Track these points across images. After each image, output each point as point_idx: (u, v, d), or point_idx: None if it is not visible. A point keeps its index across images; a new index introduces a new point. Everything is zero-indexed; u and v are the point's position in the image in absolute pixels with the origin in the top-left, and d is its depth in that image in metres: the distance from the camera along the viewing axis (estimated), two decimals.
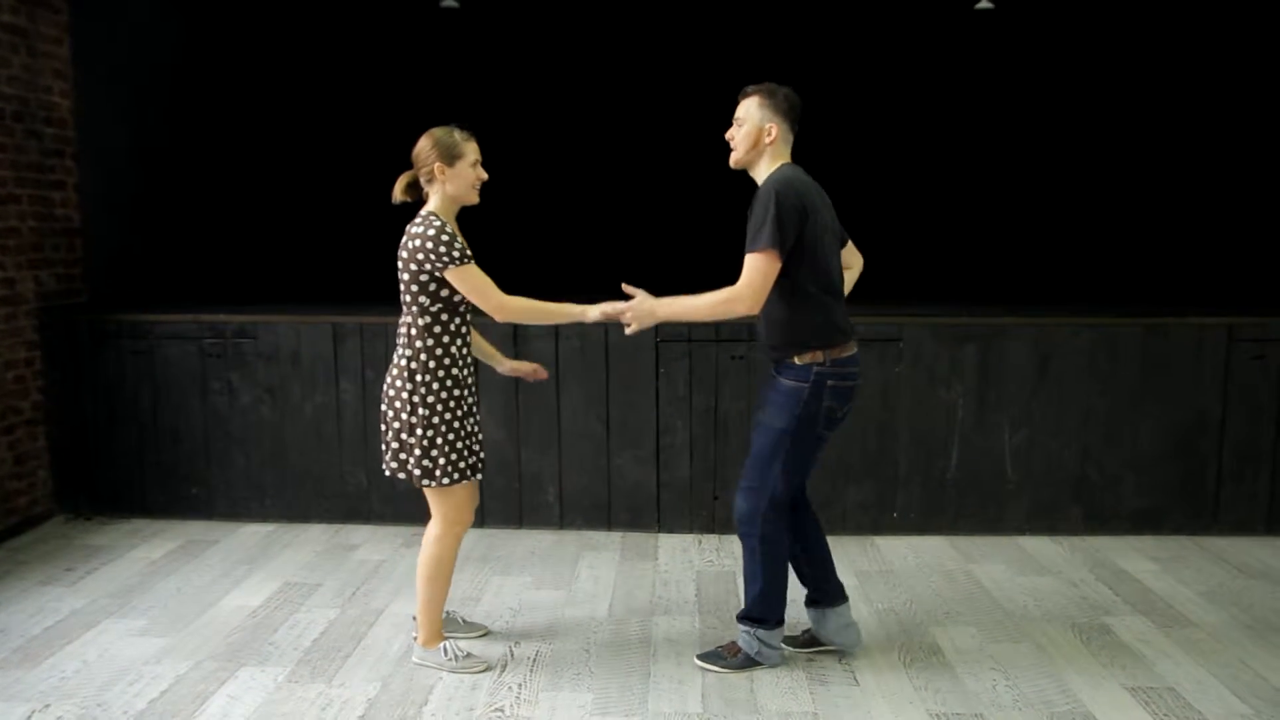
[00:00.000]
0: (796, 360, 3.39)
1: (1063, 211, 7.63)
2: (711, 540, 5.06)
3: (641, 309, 3.47)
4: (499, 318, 3.48)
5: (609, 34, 7.48)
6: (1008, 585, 4.43)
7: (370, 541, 5.02)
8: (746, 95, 3.45)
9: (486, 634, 3.95)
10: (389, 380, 3.53)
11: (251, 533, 5.14)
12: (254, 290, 6.52)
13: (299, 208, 7.48)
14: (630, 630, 4.01)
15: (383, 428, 3.56)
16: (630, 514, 5.16)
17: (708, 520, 5.14)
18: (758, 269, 3.29)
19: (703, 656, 3.67)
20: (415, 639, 3.72)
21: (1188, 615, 4.13)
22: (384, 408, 3.54)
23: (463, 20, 7.45)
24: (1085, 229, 7.61)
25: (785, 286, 3.35)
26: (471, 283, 3.40)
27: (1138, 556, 4.82)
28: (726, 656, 3.64)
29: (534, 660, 3.72)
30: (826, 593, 3.72)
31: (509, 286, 3.52)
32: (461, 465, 3.51)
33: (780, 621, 3.62)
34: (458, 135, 3.47)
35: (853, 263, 3.71)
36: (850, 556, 4.82)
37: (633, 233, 7.51)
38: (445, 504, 3.58)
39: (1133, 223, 7.60)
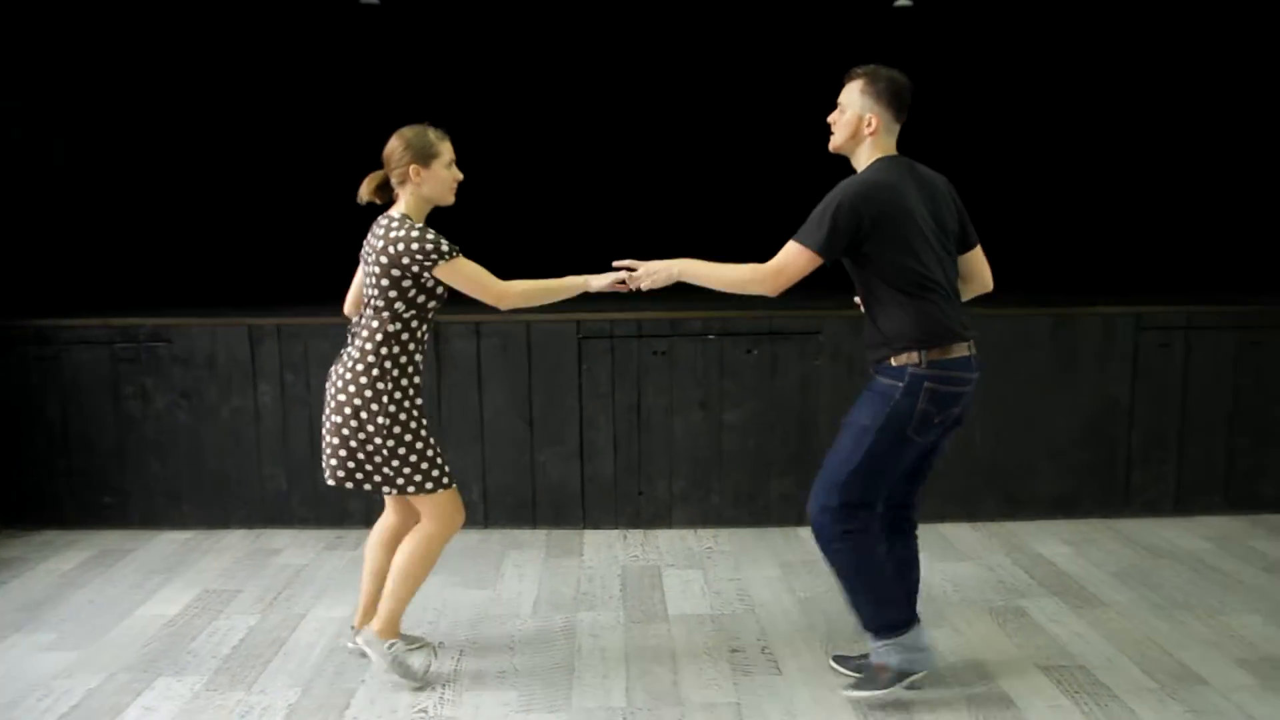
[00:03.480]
0: (893, 361, 3.19)
1: (974, 206, 7.77)
2: (636, 535, 5.08)
3: (656, 266, 3.33)
4: (502, 306, 3.36)
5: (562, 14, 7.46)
6: (927, 571, 4.45)
7: (292, 546, 4.95)
8: (851, 78, 3.26)
9: (422, 645, 3.82)
10: (337, 386, 3.35)
11: (169, 540, 5.03)
12: (167, 294, 6.37)
13: (212, 209, 7.33)
14: (555, 627, 4.01)
15: (325, 434, 3.38)
16: (555, 511, 5.15)
17: (633, 515, 5.16)
18: (793, 261, 3.15)
19: (852, 687, 3.36)
20: (371, 626, 3.54)
21: (1099, 595, 4.24)
22: (330, 414, 3.36)
23: (380, 17, 7.37)
24: (995, 222, 7.76)
25: (877, 287, 3.21)
26: (465, 274, 3.28)
27: (1053, 540, 4.93)
28: (877, 677, 3.31)
29: (458, 660, 3.71)
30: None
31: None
32: (435, 473, 3.39)
33: (909, 621, 3.30)
34: (432, 135, 3.36)
35: (973, 273, 3.43)
36: (774, 547, 4.87)
37: (613, 227, 7.50)
38: (442, 506, 3.45)
39: (1041, 215, 7.77)
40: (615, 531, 5.14)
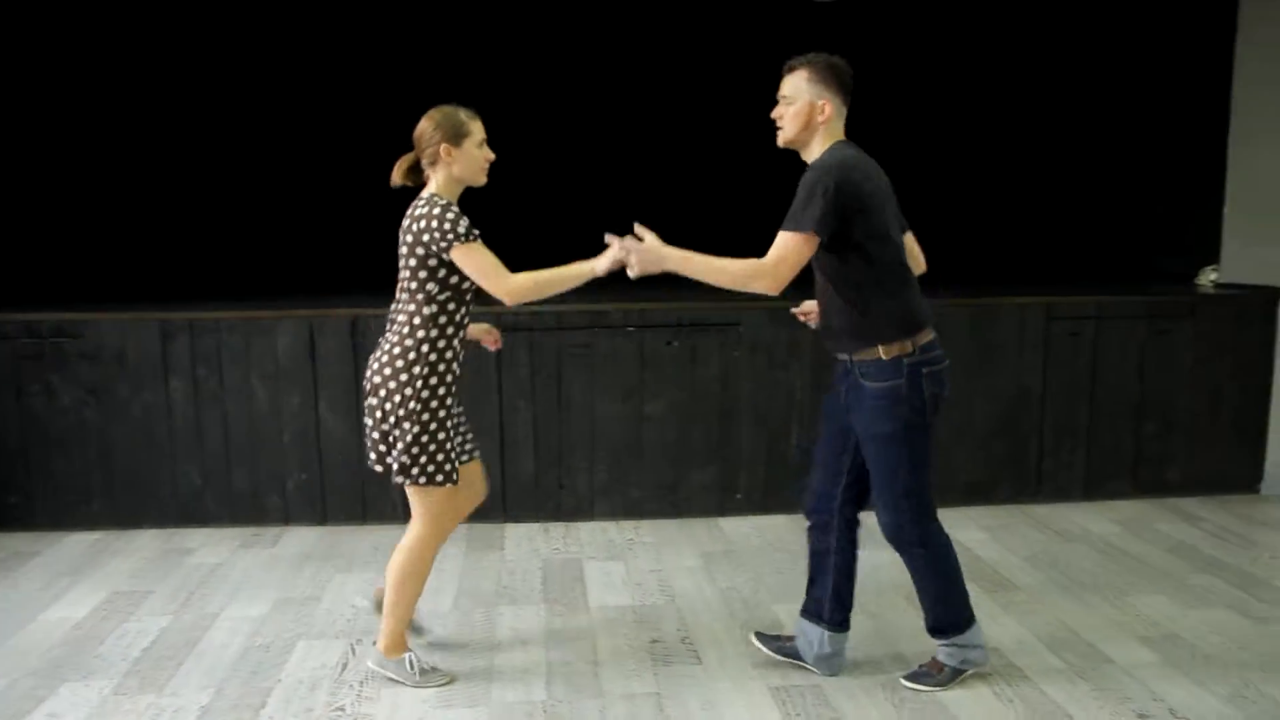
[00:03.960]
0: (882, 355, 3.13)
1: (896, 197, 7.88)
2: (558, 528, 5.07)
3: (648, 251, 3.12)
4: (510, 301, 3.24)
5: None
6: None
7: (206, 545, 4.85)
8: (792, 69, 3.18)
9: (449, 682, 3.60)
10: (374, 369, 3.29)
11: (76, 541, 4.90)
12: (74, 288, 6.19)
13: (122, 202, 7.14)
14: (475, 621, 3.98)
15: (369, 421, 3.32)
16: None
17: (554, 509, 5.15)
18: (792, 248, 3.04)
19: (909, 677, 3.41)
20: (375, 644, 3.51)
21: (1012, 579, 4.34)
22: (367, 397, 3.31)
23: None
24: (913, 213, 7.88)
25: (859, 276, 3.13)
26: (477, 262, 3.18)
27: (970, 526, 5.03)
28: (934, 674, 3.37)
29: None
30: (840, 616, 3.48)
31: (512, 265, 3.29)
32: (447, 467, 3.28)
33: (969, 620, 3.36)
34: (462, 114, 3.28)
35: (913, 255, 3.40)
36: (696, 538, 4.89)
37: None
38: (431, 504, 3.34)
39: (957, 207, 7.91)
40: (536, 525, 5.12)
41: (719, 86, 7.27)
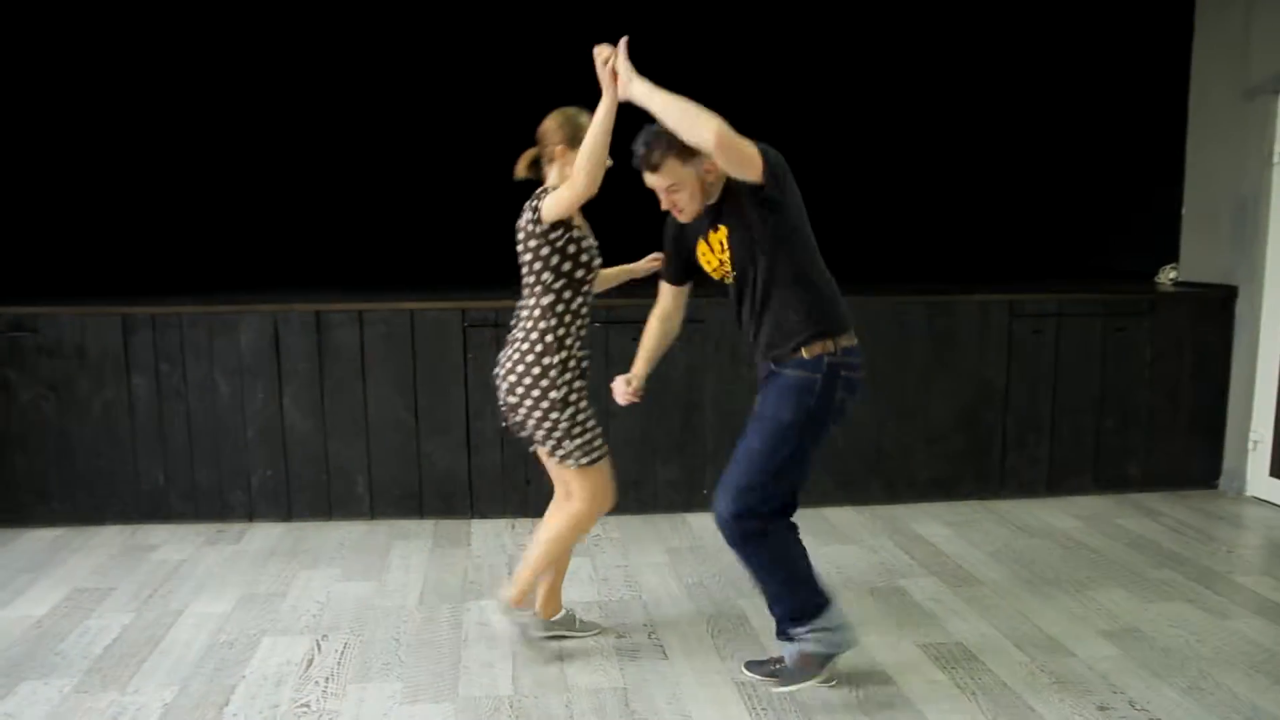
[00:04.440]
0: (805, 353, 3.10)
1: (853, 194, 7.93)
2: (525, 524, 5.06)
3: (622, 68, 2.99)
4: (589, 188, 3.13)
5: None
6: (812, 555, 4.54)
7: (170, 541, 4.80)
8: (656, 164, 3.08)
9: (601, 632, 3.80)
10: (507, 367, 3.41)
11: (36, 538, 4.83)
12: (33, 282, 6.11)
13: (82, 195, 7.05)
14: (441, 617, 3.97)
15: (518, 418, 3.43)
16: (442, 501, 5.10)
17: (520, 504, 5.14)
18: (748, 147, 2.93)
19: (781, 682, 3.28)
20: (508, 593, 3.58)
21: (975, 574, 4.38)
22: (509, 398, 3.42)
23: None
24: (878, 210, 7.94)
25: (788, 270, 3.10)
26: (558, 195, 3.20)
27: (933, 522, 5.08)
28: (806, 669, 3.23)
29: (342, 652, 3.64)
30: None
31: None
32: (597, 443, 3.46)
33: (826, 601, 3.25)
34: (584, 118, 3.27)
35: None
36: (661, 534, 4.91)
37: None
38: (592, 483, 3.48)
39: (920, 204, 7.97)
40: (503, 521, 5.12)
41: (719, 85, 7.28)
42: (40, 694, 3.35)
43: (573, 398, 3.39)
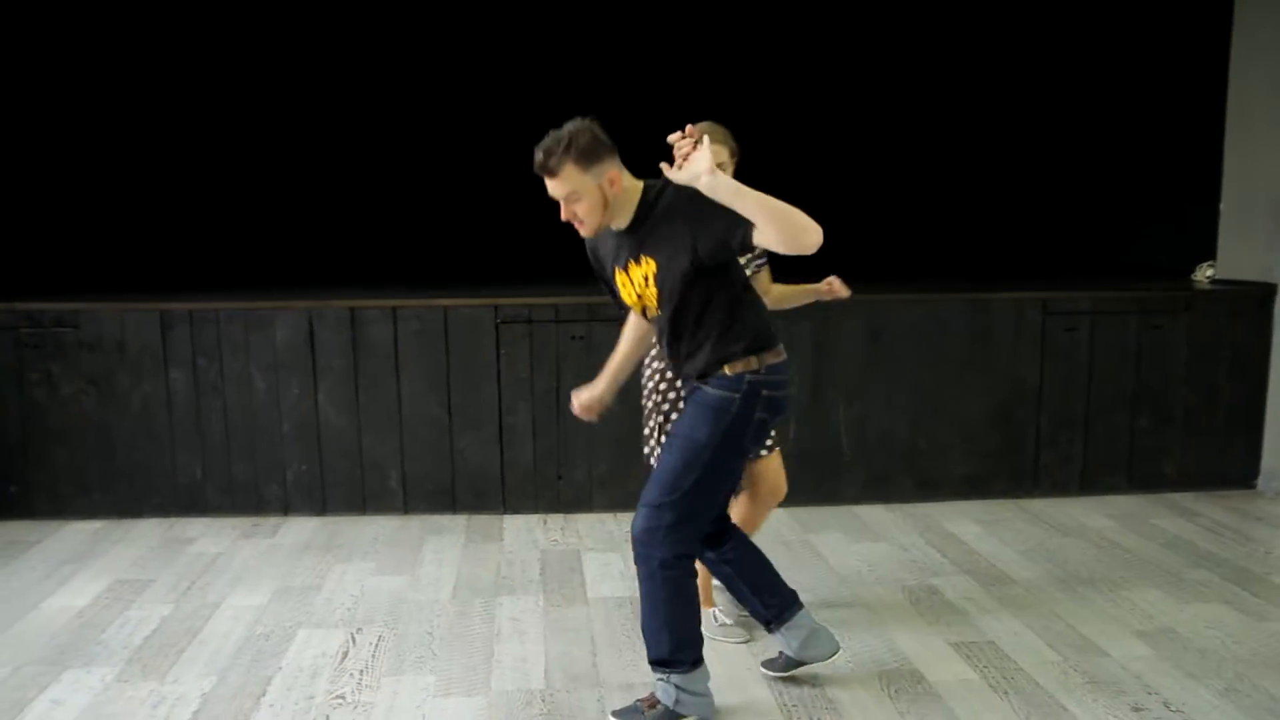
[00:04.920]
0: (727, 370, 2.98)
1: (889, 192, 7.91)
2: (556, 519, 5.09)
3: (701, 159, 2.74)
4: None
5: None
6: (843, 552, 4.60)
7: (207, 534, 4.87)
8: (554, 170, 2.86)
9: (748, 641, 3.73)
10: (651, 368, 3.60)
11: (77, 530, 4.91)
12: (74, 278, 6.21)
13: (122, 193, 7.15)
14: (474, 611, 4.00)
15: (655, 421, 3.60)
16: (475, 496, 5.14)
17: (552, 500, 5.17)
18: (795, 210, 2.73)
19: (618, 714, 3.16)
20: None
21: (1008, 573, 4.36)
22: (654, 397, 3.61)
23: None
24: (911, 208, 7.92)
25: (724, 291, 2.99)
26: None
27: (965, 520, 5.06)
28: (644, 711, 3.11)
29: (376, 645, 3.68)
30: (777, 607, 3.35)
31: None
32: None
33: (697, 662, 3.11)
34: (724, 132, 3.44)
35: None
36: None
37: None
38: (772, 470, 3.63)
39: (955, 202, 7.94)
40: (535, 516, 5.15)
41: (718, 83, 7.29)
42: (83, 682, 3.41)
43: (661, 398, 3.57)
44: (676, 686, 3.08)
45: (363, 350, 5.02)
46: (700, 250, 2.87)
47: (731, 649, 3.66)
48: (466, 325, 5.02)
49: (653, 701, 3.12)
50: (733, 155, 3.46)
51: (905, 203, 7.86)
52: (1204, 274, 5.86)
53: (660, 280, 2.97)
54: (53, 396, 4.98)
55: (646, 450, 3.66)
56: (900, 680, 3.42)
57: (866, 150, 7.85)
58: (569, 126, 2.90)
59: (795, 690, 3.35)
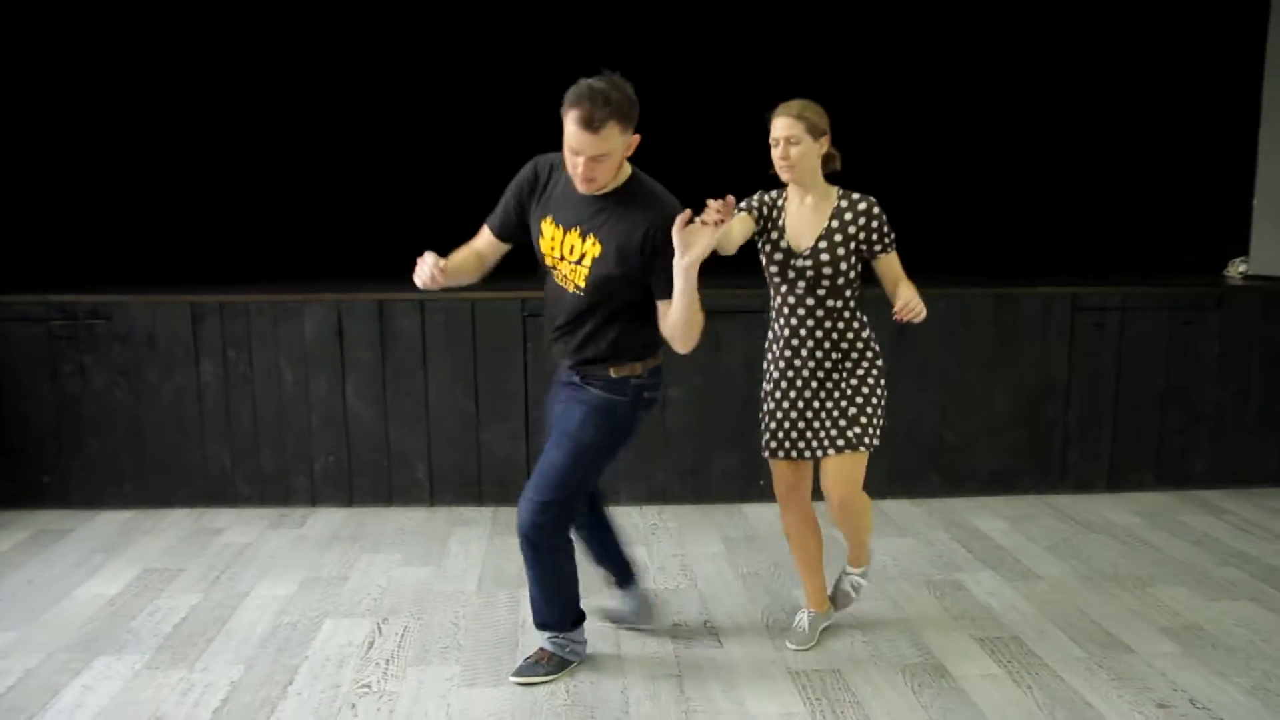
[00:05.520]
0: (613, 373, 3.13)
1: (919, 186, 7.86)
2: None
3: (703, 243, 2.82)
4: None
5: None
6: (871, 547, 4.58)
7: (235, 525, 4.92)
8: (598, 129, 2.78)
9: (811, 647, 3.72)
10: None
11: (109, 520, 4.98)
12: (106, 270, 6.28)
13: (152, 185, 7.22)
14: (499, 603, 4.03)
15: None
16: (501, 488, 5.16)
17: None
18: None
19: (518, 673, 3.38)
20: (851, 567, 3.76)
21: (1033, 569, 4.34)
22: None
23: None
24: (941, 203, 7.87)
25: (638, 304, 3.09)
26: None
27: (990, 516, 5.03)
28: (543, 664, 3.39)
29: (401, 635, 3.72)
30: (616, 571, 3.69)
31: None
32: (765, 436, 3.56)
33: (580, 618, 3.45)
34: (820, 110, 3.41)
35: None
36: (718, 524, 4.92)
37: None
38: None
39: (983, 196, 7.88)
40: None
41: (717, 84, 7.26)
42: (114, 669, 3.46)
43: (764, 389, 3.56)
44: (567, 639, 3.42)
45: (390, 342, 5.05)
46: (644, 276, 3.01)
47: (759, 648, 3.66)
48: (493, 318, 5.05)
49: (547, 656, 3.42)
50: (820, 137, 3.33)
51: (934, 198, 7.81)
52: (1236, 270, 5.81)
53: (596, 269, 3.03)
54: (85, 388, 5.04)
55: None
56: (924, 675, 3.41)
57: (895, 145, 7.80)
58: (604, 82, 2.82)
59: (819, 684, 3.35)
